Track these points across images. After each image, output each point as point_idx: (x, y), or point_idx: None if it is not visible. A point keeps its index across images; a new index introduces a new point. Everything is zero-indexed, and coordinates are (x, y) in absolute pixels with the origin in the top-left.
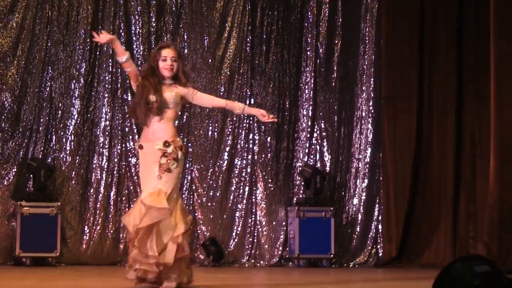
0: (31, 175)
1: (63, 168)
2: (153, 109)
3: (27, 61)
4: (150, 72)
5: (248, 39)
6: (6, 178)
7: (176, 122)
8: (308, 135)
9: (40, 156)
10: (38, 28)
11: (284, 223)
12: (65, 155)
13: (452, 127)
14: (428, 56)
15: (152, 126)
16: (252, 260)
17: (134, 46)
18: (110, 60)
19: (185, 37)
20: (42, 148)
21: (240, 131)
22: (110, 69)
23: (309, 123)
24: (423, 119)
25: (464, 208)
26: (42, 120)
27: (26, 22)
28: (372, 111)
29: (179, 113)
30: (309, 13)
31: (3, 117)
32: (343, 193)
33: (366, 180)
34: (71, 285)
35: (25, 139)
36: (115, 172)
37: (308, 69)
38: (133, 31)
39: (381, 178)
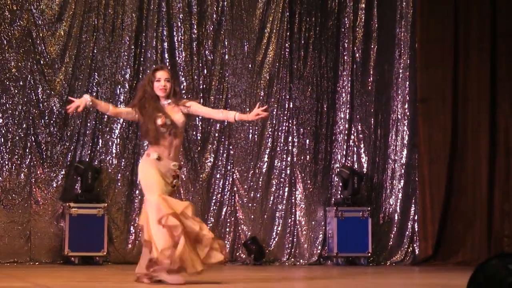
0: (79, 177)
1: (110, 170)
2: (166, 131)
3: (74, 67)
4: (147, 96)
5: (286, 45)
6: (55, 180)
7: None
8: (346, 137)
9: (87, 159)
10: (84, 35)
11: (322, 223)
12: (111, 158)
13: (486, 127)
14: (462, 58)
15: (168, 148)
16: (292, 259)
17: (177, 53)
18: (154, 66)
19: (226, 43)
20: (89, 151)
21: (280, 133)
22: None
23: (347, 126)
24: (457, 120)
25: (498, 207)
26: (89, 124)
27: (73, 30)
28: (408, 113)
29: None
30: (346, 19)
31: (51, 121)
32: (380, 194)
33: (402, 181)
34: (120, 281)
35: (73, 142)
36: None
37: (345, 73)
38: (175, 38)
39: (416, 178)
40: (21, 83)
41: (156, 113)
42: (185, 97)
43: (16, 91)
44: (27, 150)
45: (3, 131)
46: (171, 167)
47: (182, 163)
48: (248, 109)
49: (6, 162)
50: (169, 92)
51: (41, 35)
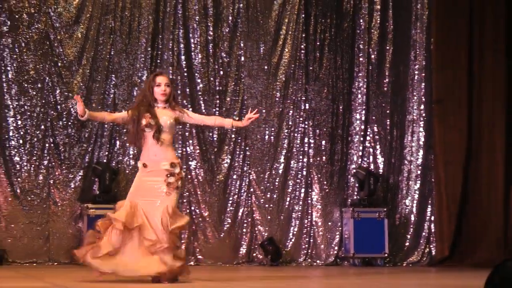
0: (97, 179)
1: (127, 171)
2: (150, 133)
3: (91, 69)
4: (145, 101)
5: (302, 46)
6: (73, 181)
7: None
8: (362, 138)
9: (104, 160)
10: (101, 38)
11: (339, 224)
12: (128, 159)
13: (502, 127)
14: (477, 59)
15: (152, 149)
16: (309, 260)
17: (193, 55)
18: (170, 68)
19: (242, 45)
20: (106, 153)
21: (296, 135)
22: (170, 76)
23: (362, 127)
24: (473, 121)
25: None
26: (106, 125)
27: (90, 33)
28: (423, 114)
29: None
30: (361, 20)
31: (69, 123)
32: (396, 194)
33: (418, 182)
34: (139, 280)
35: (91, 144)
36: None
37: (360, 74)
38: (191, 40)
39: (432, 179)
40: (39, 85)
41: (143, 114)
42: (202, 99)
43: (34, 93)
44: (45, 152)
45: (22, 133)
46: (162, 168)
47: (179, 161)
48: (264, 111)
49: (25, 164)
50: (169, 96)
51: (58, 37)
